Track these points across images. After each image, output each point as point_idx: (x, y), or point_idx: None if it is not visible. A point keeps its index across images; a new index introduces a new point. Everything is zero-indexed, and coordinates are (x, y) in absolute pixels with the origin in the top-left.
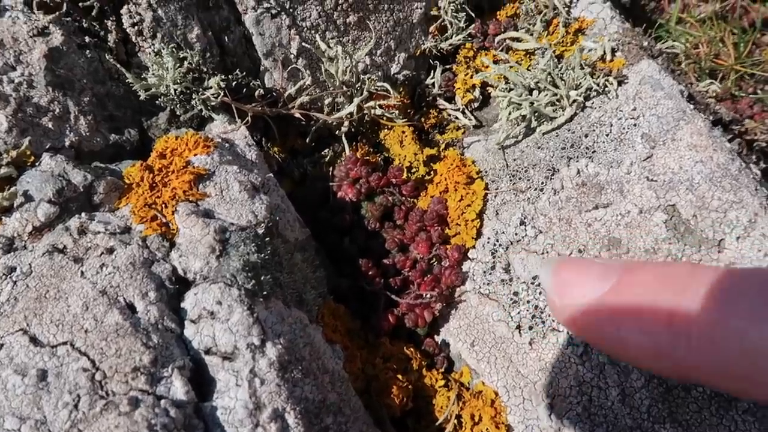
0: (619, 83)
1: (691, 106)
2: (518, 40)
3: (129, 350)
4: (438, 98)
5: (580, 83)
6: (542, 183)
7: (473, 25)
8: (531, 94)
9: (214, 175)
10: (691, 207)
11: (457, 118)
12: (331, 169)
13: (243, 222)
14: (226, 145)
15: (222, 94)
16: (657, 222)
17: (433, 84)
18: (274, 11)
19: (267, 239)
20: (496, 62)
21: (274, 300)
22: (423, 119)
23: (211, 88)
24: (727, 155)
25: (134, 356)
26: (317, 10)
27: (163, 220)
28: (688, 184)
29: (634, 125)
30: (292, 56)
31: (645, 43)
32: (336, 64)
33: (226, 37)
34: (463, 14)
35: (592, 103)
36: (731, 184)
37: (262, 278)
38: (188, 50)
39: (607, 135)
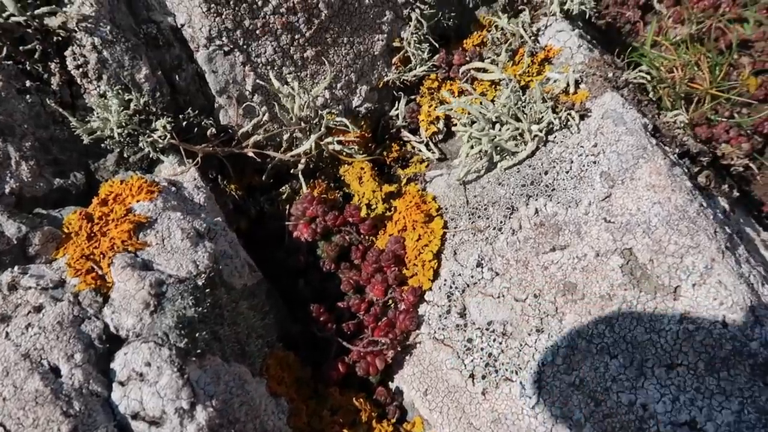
0: (582, 117)
1: (654, 141)
2: (483, 70)
3: (47, 420)
4: (402, 130)
5: (542, 117)
6: (501, 222)
7: (437, 56)
8: (494, 128)
9: (156, 223)
10: (647, 251)
11: (420, 150)
12: (288, 206)
13: (183, 273)
14: (173, 189)
15: (169, 136)
16: (613, 266)
17: (397, 115)
18: (226, 48)
19: (207, 290)
20: (462, 92)
21: (210, 357)
22: (385, 153)
23: (157, 130)
24: (686, 196)
25: (52, 426)
26: (272, 45)
27: (99, 273)
28: (645, 227)
29: (594, 162)
30: (247, 93)
31: (610, 74)
32: (292, 100)
33: (177, 76)
34: (426, 45)
35: (555, 137)
36: (688, 227)
37: (197, 335)
38: (136, 91)
39: (567, 172)
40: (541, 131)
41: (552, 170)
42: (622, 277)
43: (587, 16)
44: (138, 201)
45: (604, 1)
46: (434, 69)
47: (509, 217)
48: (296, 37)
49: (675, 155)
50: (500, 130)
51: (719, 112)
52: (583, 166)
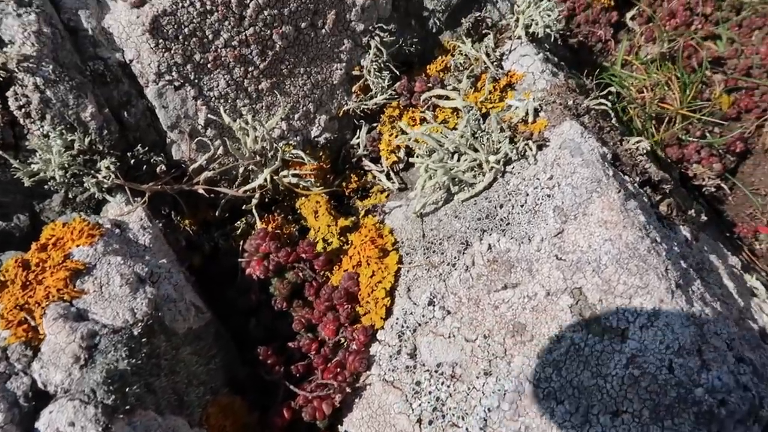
0: (540, 147)
1: (611, 172)
2: (445, 97)
3: None
4: (363, 159)
5: (499, 148)
6: (455, 258)
7: (399, 83)
8: (452, 158)
9: (94, 269)
10: (597, 291)
11: (381, 180)
12: (243, 242)
13: (119, 322)
14: (117, 231)
15: (113, 176)
16: (563, 306)
17: (358, 144)
18: (177, 83)
19: (144, 340)
20: (423, 120)
21: (142, 411)
22: (344, 183)
23: (101, 171)
24: (638, 233)
25: None
26: (225, 79)
27: (32, 324)
28: (596, 265)
29: (549, 196)
30: (199, 127)
31: (570, 102)
32: (245, 134)
33: (126, 112)
34: (387, 73)
35: (513, 167)
36: (638, 266)
37: (128, 389)
38: (81, 130)
39: (522, 206)
40: (498, 162)
41: (507, 203)
42: (571, 318)
43: (553, 39)
44: (78, 246)
45: (575, 20)
46: (396, 96)
47: (463, 253)
48: (250, 69)
49: (635, 184)
50: (458, 160)
51: (690, 131)
52: (538, 199)
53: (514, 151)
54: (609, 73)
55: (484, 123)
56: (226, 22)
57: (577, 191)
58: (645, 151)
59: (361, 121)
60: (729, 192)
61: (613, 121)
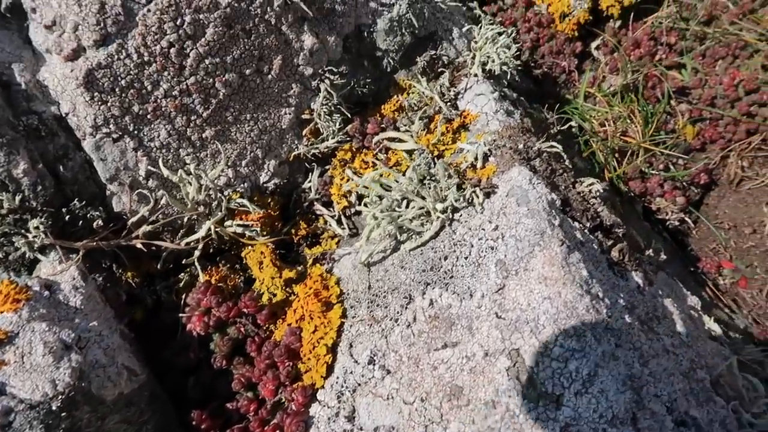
0: (487, 195)
1: (557, 221)
2: (397, 140)
3: None
4: (315, 203)
5: (446, 196)
6: (398, 312)
7: (351, 125)
8: (401, 205)
9: (17, 337)
10: (534, 353)
11: (331, 225)
12: (185, 295)
13: (38, 396)
14: (45, 293)
15: (44, 236)
16: (500, 369)
17: (310, 188)
18: (115, 135)
19: (64, 414)
20: (375, 163)
21: None
22: (294, 230)
23: (31, 231)
24: (577, 290)
25: None
26: (167, 129)
27: None
28: (534, 325)
29: (492, 248)
30: (140, 178)
31: (521, 146)
32: (188, 185)
33: (62, 166)
34: (338, 116)
35: (460, 215)
36: (575, 327)
37: None
38: (13, 187)
39: (466, 258)
40: (445, 211)
41: (452, 254)
42: (507, 382)
43: (510, 76)
44: (2, 312)
45: (539, 50)
46: (348, 139)
47: (406, 308)
48: (193, 118)
49: (586, 230)
50: (406, 208)
51: (654, 164)
52: (482, 251)
53: (461, 199)
54: (572, 106)
55: (434, 167)
56: (166, 73)
57: (521, 244)
58: (598, 194)
59: (313, 164)
60: (693, 226)
61: (566, 162)
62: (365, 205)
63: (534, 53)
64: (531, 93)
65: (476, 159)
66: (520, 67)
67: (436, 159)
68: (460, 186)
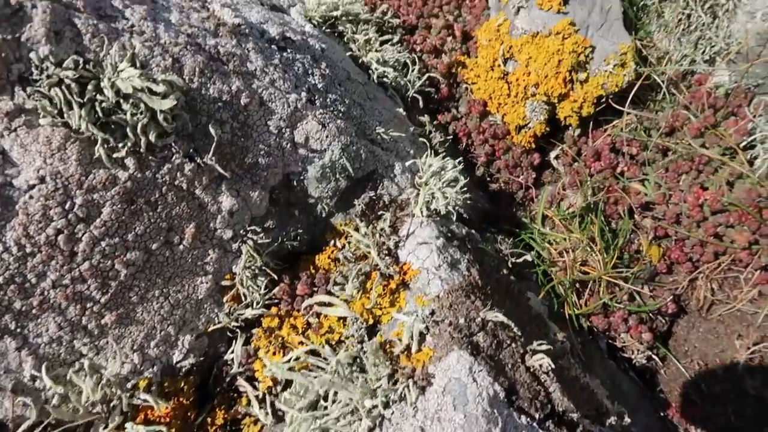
0: (422, 390)
1: (500, 424)
2: (328, 304)
3: None
4: (239, 377)
5: (377, 389)
6: None
7: (278, 288)
8: (326, 400)
9: None
10: None
11: (253, 408)
12: None
13: None
14: None
15: None
16: None
17: (233, 359)
18: None
19: None
20: (306, 330)
21: None
22: (210, 419)
23: None
24: None
25: None
26: (56, 321)
27: None
28: None
29: None
30: (26, 379)
31: (462, 320)
32: (75, 390)
33: None
34: (263, 279)
35: (393, 413)
36: None
37: None
38: None
39: None
40: (374, 408)
41: None
42: None
43: (455, 213)
44: None
45: (495, 164)
46: (276, 302)
47: None
48: (89, 305)
49: (535, 424)
50: (331, 406)
51: (617, 295)
52: None
53: (393, 393)
54: (528, 231)
55: (367, 343)
56: (53, 262)
57: None
58: (549, 369)
59: (237, 331)
60: (661, 364)
61: (515, 330)
62: (285, 402)
63: (490, 166)
64: (487, 214)
65: (411, 338)
66: (469, 201)
67: (367, 336)
68: (392, 375)
